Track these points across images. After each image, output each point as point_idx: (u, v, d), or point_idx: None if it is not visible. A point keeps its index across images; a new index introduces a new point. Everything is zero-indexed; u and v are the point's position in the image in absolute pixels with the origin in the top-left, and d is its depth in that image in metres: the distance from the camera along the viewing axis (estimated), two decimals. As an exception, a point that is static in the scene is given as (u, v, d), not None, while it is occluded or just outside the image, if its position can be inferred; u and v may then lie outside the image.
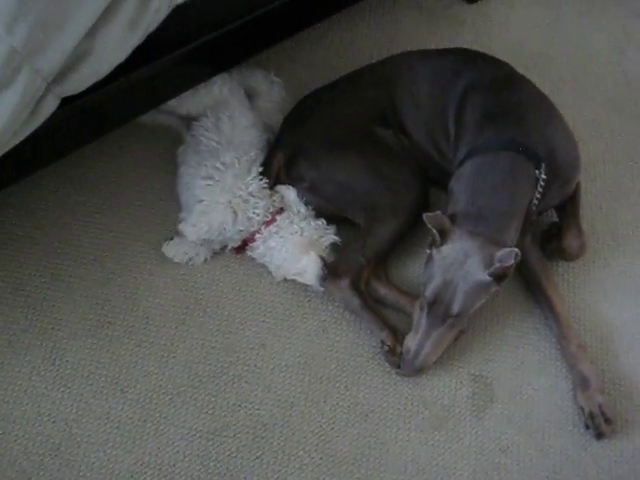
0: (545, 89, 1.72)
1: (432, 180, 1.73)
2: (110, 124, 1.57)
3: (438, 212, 1.49)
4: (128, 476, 1.48)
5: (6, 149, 1.30)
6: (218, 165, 1.65)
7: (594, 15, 2.17)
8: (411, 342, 1.54)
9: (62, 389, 1.55)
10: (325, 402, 1.57)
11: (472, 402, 1.58)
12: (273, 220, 1.64)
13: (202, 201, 1.62)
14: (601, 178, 1.86)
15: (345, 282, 1.62)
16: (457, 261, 1.46)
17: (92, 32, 1.26)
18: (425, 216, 1.46)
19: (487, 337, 1.65)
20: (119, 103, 1.50)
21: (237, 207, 1.62)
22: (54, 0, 1.18)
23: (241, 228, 1.64)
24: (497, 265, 1.43)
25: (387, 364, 1.60)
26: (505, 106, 1.62)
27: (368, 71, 1.79)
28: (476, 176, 1.55)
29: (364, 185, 1.65)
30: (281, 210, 1.65)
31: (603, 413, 1.53)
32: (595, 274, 1.73)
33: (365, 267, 1.64)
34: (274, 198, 1.66)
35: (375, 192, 1.65)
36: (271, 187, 1.68)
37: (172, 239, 1.68)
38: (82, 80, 1.31)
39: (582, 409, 1.55)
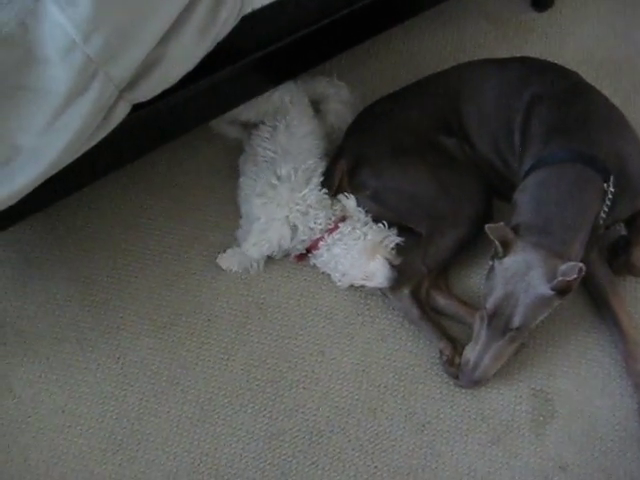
0: (616, 100, 1.68)
1: (495, 191, 1.71)
2: (178, 130, 1.61)
3: (501, 223, 1.47)
4: (185, 475, 1.51)
5: (79, 153, 1.35)
6: (273, 181, 1.65)
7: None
8: (470, 353, 1.52)
9: (125, 387, 1.59)
10: (382, 411, 1.57)
11: (532, 417, 1.56)
12: (336, 228, 1.64)
13: (259, 219, 1.64)
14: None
15: (405, 291, 1.61)
16: (519, 273, 1.44)
17: (164, 41, 1.29)
18: (487, 227, 1.45)
19: (549, 352, 1.62)
20: (187, 110, 1.53)
21: (296, 220, 1.63)
22: (129, 10, 1.22)
23: (303, 238, 1.65)
24: (560, 279, 1.40)
25: (445, 375, 1.58)
26: (573, 117, 1.59)
27: (433, 80, 1.78)
28: (541, 188, 1.53)
29: (427, 194, 1.65)
30: (343, 218, 1.66)
31: None
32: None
33: (426, 277, 1.64)
34: (335, 207, 1.66)
35: (438, 201, 1.64)
36: (334, 194, 1.69)
37: (225, 251, 1.70)
38: (152, 87, 1.35)
39: None
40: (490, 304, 1.47)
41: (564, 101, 1.61)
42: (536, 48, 1.98)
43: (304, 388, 1.59)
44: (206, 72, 1.45)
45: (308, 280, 1.70)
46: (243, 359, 1.62)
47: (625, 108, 1.68)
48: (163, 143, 1.62)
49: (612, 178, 1.52)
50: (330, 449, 1.53)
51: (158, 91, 1.37)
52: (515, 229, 1.48)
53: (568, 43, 2.00)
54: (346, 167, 1.69)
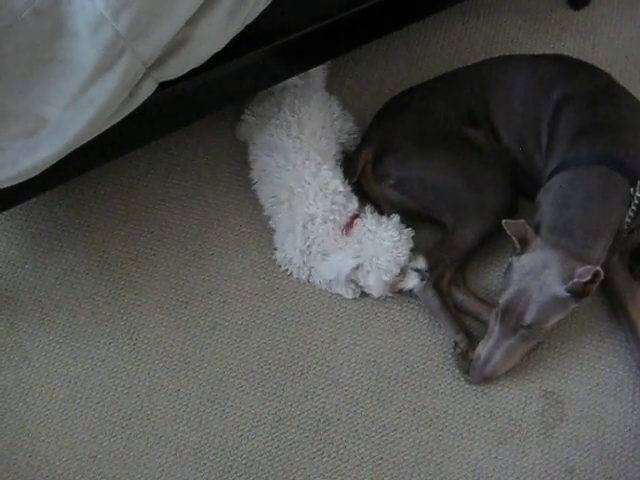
0: (648, 103, 1.65)
1: (520, 188, 1.69)
2: (203, 111, 1.60)
3: (521, 220, 1.46)
4: (192, 453, 1.53)
5: (104, 128, 1.35)
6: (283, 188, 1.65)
7: None
8: (482, 349, 1.52)
9: (137, 363, 1.61)
10: (391, 402, 1.57)
11: (541, 419, 1.55)
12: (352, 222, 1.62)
13: (276, 229, 1.67)
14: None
15: (427, 281, 1.61)
16: (534, 271, 1.43)
17: (193, 20, 1.29)
18: (505, 223, 1.44)
19: (563, 354, 1.61)
20: (213, 91, 1.52)
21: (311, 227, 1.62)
22: (159, -12, 1.22)
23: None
24: (575, 281, 1.39)
25: (457, 369, 1.58)
26: (601, 119, 1.56)
27: (463, 72, 1.76)
28: (565, 189, 1.51)
29: (452, 185, 1.63)
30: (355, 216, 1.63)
31: None
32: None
33: (448, 267, 1.63)
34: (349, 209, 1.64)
35: (463, 193, 1.63)
36: (355, 183, 1.68)
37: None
38: (180, 66, 1.35)
39: None
40: (503, 300, 1.47)
41: (593, 102, 1.59)
42: (569, 46, 1.95)
43: (315, 375, 1.59)
44: (234, 54, 1.45)
45: (324, 267, 1.70)
46: (256, 342, 1.62)
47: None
48: (188, 123, 1.62)
49: (639, 183, 1.50)
50: (337, 437, 1.54)
51: (185, 70, 1.37)
52: (536, 228, 1.47)
53: (602, 43, 1.96)
54: (371, 155, 1.68)
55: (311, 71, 1.75)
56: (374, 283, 1.58)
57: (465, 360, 1.56)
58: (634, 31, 2.03)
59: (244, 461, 1.52)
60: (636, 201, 1.51)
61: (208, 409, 1.56)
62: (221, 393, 1.58)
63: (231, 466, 1.52)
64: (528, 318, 1.45)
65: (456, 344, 1.58)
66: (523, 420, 1.55)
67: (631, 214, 1.51)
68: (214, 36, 1.34)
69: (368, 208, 1.65)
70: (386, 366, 1.60)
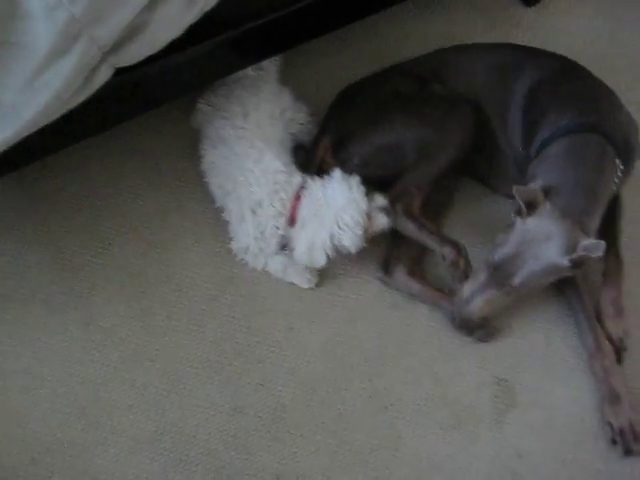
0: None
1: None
2: (160, 98, 1.59)
3: (532, 185, 1.48)
4: (148, 442, 1.52)
5: (60, 113, 1.33)
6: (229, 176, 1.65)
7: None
8: (465, 289, 1.55)
9: (92, 352, 1.59)
10: (347, 390, 1.58)
11: (493, 405, 1.58)
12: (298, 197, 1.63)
13: (230, 220, 1.67)
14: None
15: (399, 208, 1.62)
16: (537, 239, 1.46)
17: (150, 5, 1.28)
18: (516, 189, 1.46)
19: (514, 342, 1.64)
20: (171, 78, 1.51)
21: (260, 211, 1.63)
22: (116, -28, 1.21)
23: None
24: (581, 254, 1.42)
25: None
26: (581, 91, 1.64)
27: (418, 59, 1.81)
28: (567, 155, 1.55)
29: (413, 135, 1.66)
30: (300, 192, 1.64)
31: (633, 430, 1.51)
32: (628, 291, 1.69)
33: (417, 196, 1.65)
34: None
35: (424, 135, 1.65)
36: (317, 173, 1.68)
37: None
38: (137, 52, 1.33)
39: (610, 424, 1.53)
40: (498, 257, 1.49)
41: (566, 77, 1.67)
42: (521, 42, 1.98)
43: (271, 363, 1.60)
44: (192, 42, 1.44)
45: (281, 256, 1.71)
46: (212, 331, 1.62)
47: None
48: (145, 110, 1.60)
49: (621, 153, 1.55)
50: (293, 425, 1.54)
51: (142, 56, 1.36)
52: (545, 191, 1.48)
53: (553, 40, 2.01)
54: (329, 143, 1.70)
55: (264, 63, 1.75)
56: (349, 242, 1.59)
57: (458, 269, 1.57)
58: (584, 29, 2.09)
59: (201, 450, 1.52)
60: (619, 173, 1.56)
61: (164, 398, 1.56)
62: (177, 382, 1.57)
63: (188, 455, 1.51)
64: (517, 280, 1.48)
65: (443, 257, 1.60)
66: (476, 406, 1.58)
67: (614, 187, 1.56)
68: (172, 22, 1.33)
69: (309, 179, 1.65)
70: (342, 354, 1.62)
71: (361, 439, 1.54)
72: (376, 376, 1.60)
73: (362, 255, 1.68)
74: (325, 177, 1.63)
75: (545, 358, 1.63)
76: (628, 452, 1.51)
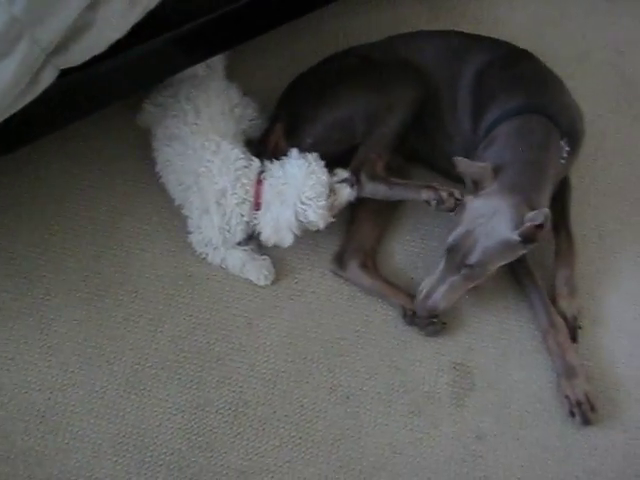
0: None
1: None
2: (108, 99, 1.57)
3: (485, 163, 1.51)
4: (110, 446, 1.51)
5: (5, 116, 1.31)
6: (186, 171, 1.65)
7: (598, 15, 2.17)
8: (425, 283, 1.58)
9: (49, 358, 1.57)
10: (307, 383, 1.59)
11: (452, 390, 1.61)
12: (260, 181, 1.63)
13: (191, 215, 1.66)
14: (590, 175, 1.88)
15: (364, 176, 1.63)
16: (486, 215, 1.49)
17: (93, 5, 1.27)
18: (460, 162, 1.48)
19: (470, 326, 1.67)
20: (117, 79, 1.51)
21: (224, 202, 1.63)
22: (56, -29, 1.19)
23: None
24: (528, 225, 1.45)
25: (370, 347, 1.62)
26: (528, 75, 1.68)
27: (367, 44, 1.83)
28: (515, 136, 1.59)
29: (359, 103, 1.67)
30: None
31: (589, 401, 1.56)
32: (580, 271, 1.74)
33: (377, 161, 1.66)
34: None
35: (370, 103, 1.67)
36: (271, 158, 1.67)
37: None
38: (81, 53, 1.32)
39: (567, 397, 1.57)
40: (451, 238, 1.52)
41: (513, 62, 1.71)
42: (466, 31, 2.02)
43: (231, 360, 1.60)
44: (137, 41, 1.44)
45: (237, 252, 1.71)
46: (171, 331, 1.62)
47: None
48: (93, 111, 1.59)
49: (566, 136, 1.60)
50: (256, 420, 1.55)
51: (87, 57, 1.34)
52: (495, 170, 1.51)
53: (497, 29, 2.03)
54: (282, 130, 1.71)
55: (210, 61, 1.75)
56: (315, 216, 1.60)
57: (448, 204, 1.56)
58: (527, 18, 2.13)
59: (164, 450, 1.51)
60: (564, 154, 1.60)
61: (125, 400, 1.55)
62: (137, 384, 1.56)
63: (151, 456, 1.51)
64: (473, 258, 1.50)
65: (428, 202, 1.59)
66: (435, 392, 1.60)
67: (563, 162, 1.60)
68: (115, 22, 1.32)
69: (268, 162, 1.65)
70: (301, 347, 1.63)
71: (324, 430, 1.55)
72: (336, 367, 1.61)
73: (317, 248, 1.69)
74: (283, 158, 1.64)
75: (500, 341, 1.67)
76: (586, 422, 1.56)
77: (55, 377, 1.56)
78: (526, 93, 1.65)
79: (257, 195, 1.62)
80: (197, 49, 1.61)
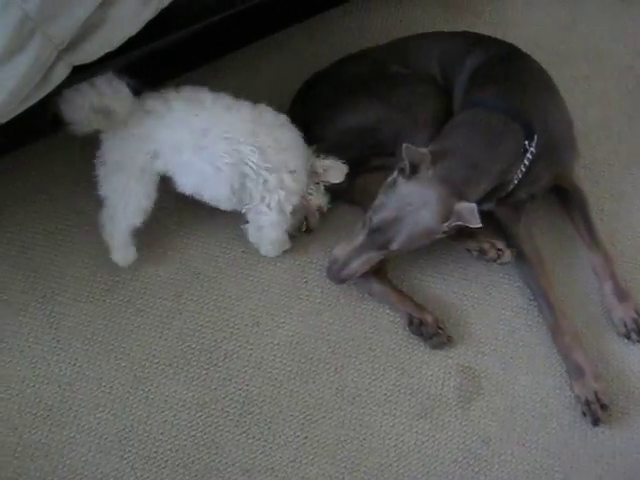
0: (557, 88, 1.73)
1: None
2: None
3: (424, 149, 1.50)
4: (116, 440, 1.51)
5: (16, 113, 1.32)
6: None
7: (615, 17, 2.15)
8: (340, 252, 1.57)
9: (58, 352, 1.58)
10: (314, 383, 1.59)
11: (459, 393, 1.60)
12: None
13: None
14: (604, 180, 1.86)
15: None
16: (415, 203, 1.49)
17: (106, 2, 1.27)
18: (405, 147, 1.47)
19: (479, 330, 1.67)
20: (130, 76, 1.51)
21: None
22: (69, -31, 1.20)
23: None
24: (453, 219, 1.46)
25: (377, 349, 1.62)
26: (508, 75, 1.67)
27: (379, 47, 1.83)
28: (466, 125, 1.59)
29: (381, 117, 1.68)
30: None
31: (599, 400, 1.56)
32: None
33: None
34: None
35: (395, 119, 1.67)
36: None
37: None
38: (93, 50, 1.33)
39: (578, 397, 1.57)
40: (377, 220, 1.52)
41: (502, 62, 1.71)
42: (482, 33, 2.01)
43: (238, 358, 1.60)
44: (149, 39, 1.44)
45: (245, 251, 1.71)
46: (178, 328, 1.62)
47: (564, 98, 1.73)
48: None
49: (535, 138, 1.58)
50: (261, 419, 1.55)
51: (99, 54, 1.35)
52: (434, 155, 1.50)
53: (513, 31, 2.03)
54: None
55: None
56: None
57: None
58: (543, 20, 2.12)
59: (169, 446, 1.52)
60: (530, 156, 1.59)
61: (131, 396, 1.55)
62: (145, 379, 1.57)
63: (156, 452, 1.51)
64: (395, 245, 1.52)
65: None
66: (442, 395, 1.60)
67: (523, 168, 1.59)
68: (128, 20, 1.33)
69: None
70: (308, 347, 1.63)
71: (329, 431, 1.55)
72: (343, 368, 1.61)
73: (327, 248, 1.69)
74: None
75: (508, 346, 1.66)
76: (596, 421, 1.55)
77: (64, 371, 1.57)
78: (498, 90, 1.63)
79: None
80: (211, 46, 1.61)
